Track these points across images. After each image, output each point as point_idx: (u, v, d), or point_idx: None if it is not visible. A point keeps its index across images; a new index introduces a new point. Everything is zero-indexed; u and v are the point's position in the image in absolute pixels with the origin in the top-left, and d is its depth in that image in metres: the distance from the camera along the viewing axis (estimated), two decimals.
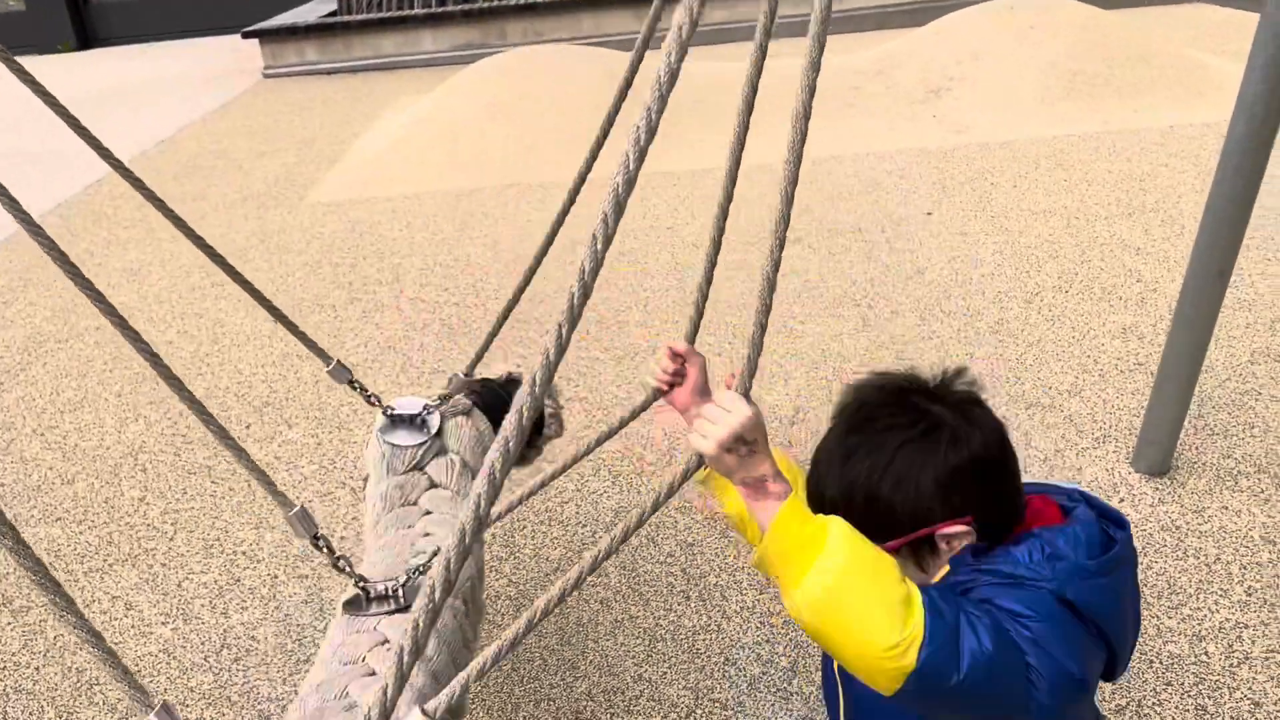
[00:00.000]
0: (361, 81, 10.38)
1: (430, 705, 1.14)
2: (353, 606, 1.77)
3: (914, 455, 1.23)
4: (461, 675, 1.16)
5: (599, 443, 1.80)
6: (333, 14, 11.69)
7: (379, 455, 2.17)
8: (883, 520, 1.24)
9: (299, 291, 4.94)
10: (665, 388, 1.53)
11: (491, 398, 2.39)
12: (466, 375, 2.34)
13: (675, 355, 1.51)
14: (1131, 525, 2.73)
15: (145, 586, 2.88)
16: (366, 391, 2.13)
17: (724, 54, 7.33)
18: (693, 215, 5.53)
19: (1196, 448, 3.10)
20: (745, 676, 2.39)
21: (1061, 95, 6.90)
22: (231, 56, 12.51)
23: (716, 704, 2.32)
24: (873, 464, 1.25)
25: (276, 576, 2.88)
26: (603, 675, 2.44)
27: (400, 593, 1.78)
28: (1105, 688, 2.28)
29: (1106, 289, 4.22)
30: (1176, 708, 2.21)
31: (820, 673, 1.54)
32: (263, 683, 2.49)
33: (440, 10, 11.04)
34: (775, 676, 2.37)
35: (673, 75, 1.02)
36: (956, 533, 1.24)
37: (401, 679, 1.00)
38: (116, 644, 2.68)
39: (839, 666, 1.42)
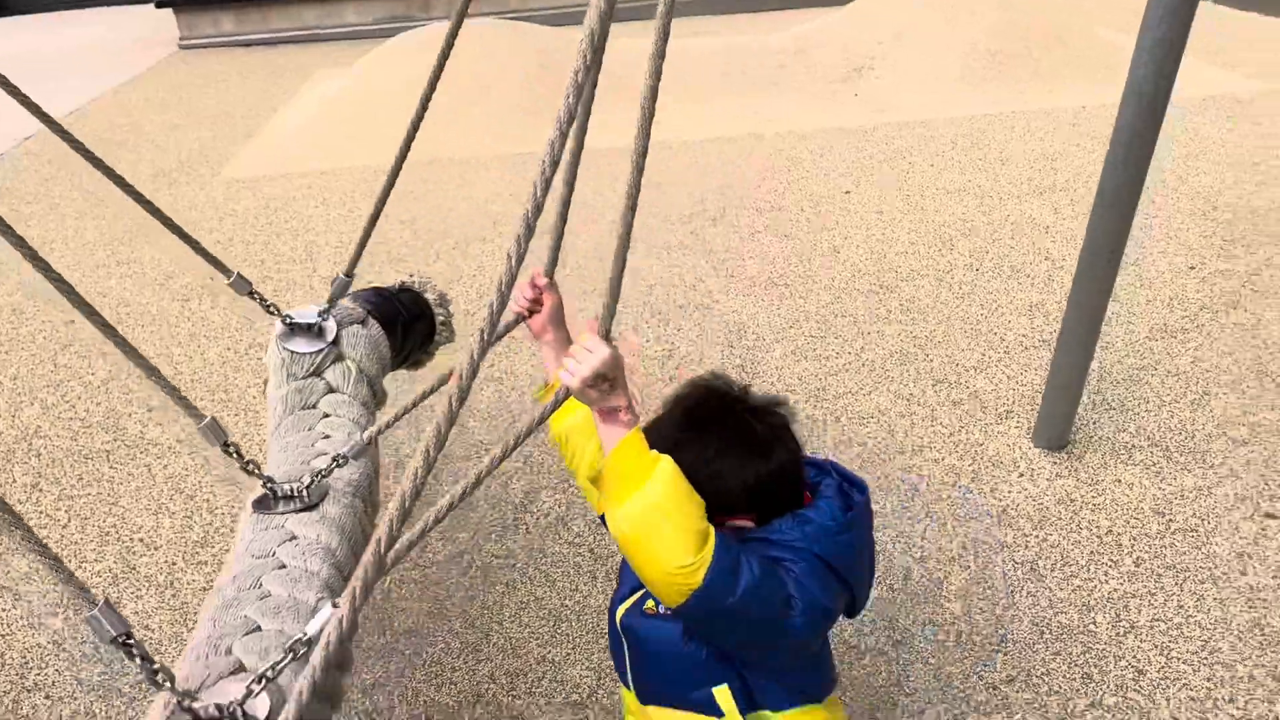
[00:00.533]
0: (280, 54, 10.13)
1: (340, 600, 1.23)
2: (261, 505, 1.88)
3: (731, 461, 1.45)
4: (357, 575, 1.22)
5: (480, 355, 1.87)
6: None
7: (279, 361, 2.29)
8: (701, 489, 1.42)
9: (205, 270, 4.80)
10: (525, 313, 1.70)
11: (386, 307, 2.52)
12: (346, 276, 2.40)
13: (534, 285, 1.69)
14: (1026, 498, 2.79)
15: (35, 577, 2.80)
16: (265, 301, 2.24)
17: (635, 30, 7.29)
18: (612, 193, 5.50)
19: (1094, 422, 3.18)
20: None
21: (980, 75, 6.99)
22: (145, 26, 12.12)
23: (616, 682, 2.33)
24: (696, 457, 1.42)
25: (174, 564, 2.81)
26: (506, 657, 2.43)
27: (305, 493, 1.91)
28: (996, 659, 2.33)
29: (1016, 267, 4.29)
30: (1064, 676, 2.27)
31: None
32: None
33: None
34: None
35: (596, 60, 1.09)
36: (743, 525, 1.48)
37: None
38: (3, 636, 2.60)
39: (621, 623, 1.59)
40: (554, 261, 1.71)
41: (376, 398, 2.56)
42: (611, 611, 1.64)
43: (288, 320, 2.37)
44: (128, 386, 3.79)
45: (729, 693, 1.49)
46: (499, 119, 6.85)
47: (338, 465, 2.01)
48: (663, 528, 1.31)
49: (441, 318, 2.75)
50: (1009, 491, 2.89)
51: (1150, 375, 3.42)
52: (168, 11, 10.95)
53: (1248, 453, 2.98)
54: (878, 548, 2.68)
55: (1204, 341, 3.61)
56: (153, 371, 1.59)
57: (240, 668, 1.64)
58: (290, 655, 1.46)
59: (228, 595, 1.70)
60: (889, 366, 3.58)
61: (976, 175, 5.41)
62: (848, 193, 5.26)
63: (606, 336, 1.37)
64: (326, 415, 2.36)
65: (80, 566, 2.83)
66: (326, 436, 2.25)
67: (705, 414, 1.50)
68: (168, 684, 1.54)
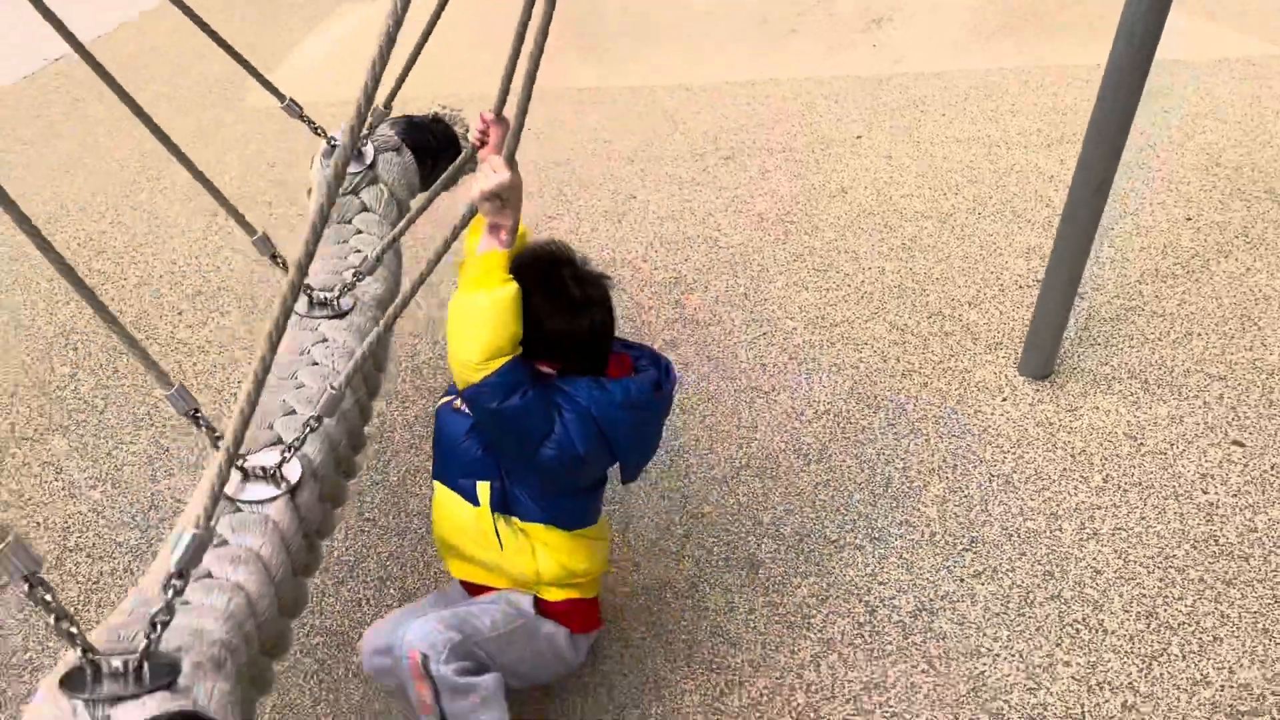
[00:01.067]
0: None
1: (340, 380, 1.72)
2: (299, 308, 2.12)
3: (542, 312, 1.74)
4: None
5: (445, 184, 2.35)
6: None
7: (321, 178, 2.52)
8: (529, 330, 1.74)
9: (234, 189, 4.97)
10: (478, 144, 2.04)
11: (418, 134, 2.75)
12: (385, 108, 2.59)
13: (484, 120, 2.01)
14: (1007, 421, 2.95)
15: (75, 454, 3.00)
16: (313, 123, 2.49)
17: None
18: (629, 131, 5.63)
19: (1078, 355, 3.33)
20: (644, 540, 2.58)
21: (997, 30, 7.05)
22: None
23: (614, 562, 2.51)
24: (527, 303, 1.71)
25: (205, 449, 3.00)
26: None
27: (336, 303, 2.18)
28: (965, 557, 2.50)
29: (1017, 212, 4.42)
30: (1027, 573, 2.45)
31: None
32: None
33: None
34: (670, 542, 2.57)
35: None
36: (548, 371, 1.79)
37: None
38: (46, 504, 2.80)
39: (436, 411, 1.98)
40: (502, 102, 2.01)
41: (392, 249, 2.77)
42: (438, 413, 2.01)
43: (332, 141, 2.61)
44: (159, 291, 3.97)
45: (488, 488, 1.85)
46: (500, 56, 6.94)
47: (358, 280, 2.29)
48: (472, 328, 1.64)
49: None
50: (991, 414, 3.05)
51: (1137, 316, 3.56)
52: None
53: (1222, 387, 3.13)
54: (863, 460, 2.86)
55: (1192, 287, 3.74)
56: (119, 329, 1.75)
57: (279, 441, 1.88)
58: (307, 429, 1.77)
59: (270, 382, 1.95)
60: (886, 299, 3.73)
61: (987, 126, 5.51)
62: (859, 138, 5.37)
63: (510, 159, 1.63)
64: (359, 231, 2.61)
65: (118, 447, 3.02)
66: (358, 251, 2.52)
67: (534, 268, 1.77)
68: (229, 448, 1.80)
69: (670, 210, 4.55)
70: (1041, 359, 3.20)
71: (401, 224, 2.39)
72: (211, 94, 6.56)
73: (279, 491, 1.75)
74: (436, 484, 1.96)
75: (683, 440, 2.96)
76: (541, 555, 1.90)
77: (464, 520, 1.90)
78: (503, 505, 1.87)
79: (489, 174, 1.62)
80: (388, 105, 2.72)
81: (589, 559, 1.96)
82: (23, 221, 1.54)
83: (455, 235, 1.85)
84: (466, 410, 1.85)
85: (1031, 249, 4.09)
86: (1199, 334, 3.43)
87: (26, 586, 1.19)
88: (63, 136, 5.83)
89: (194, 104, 6.40)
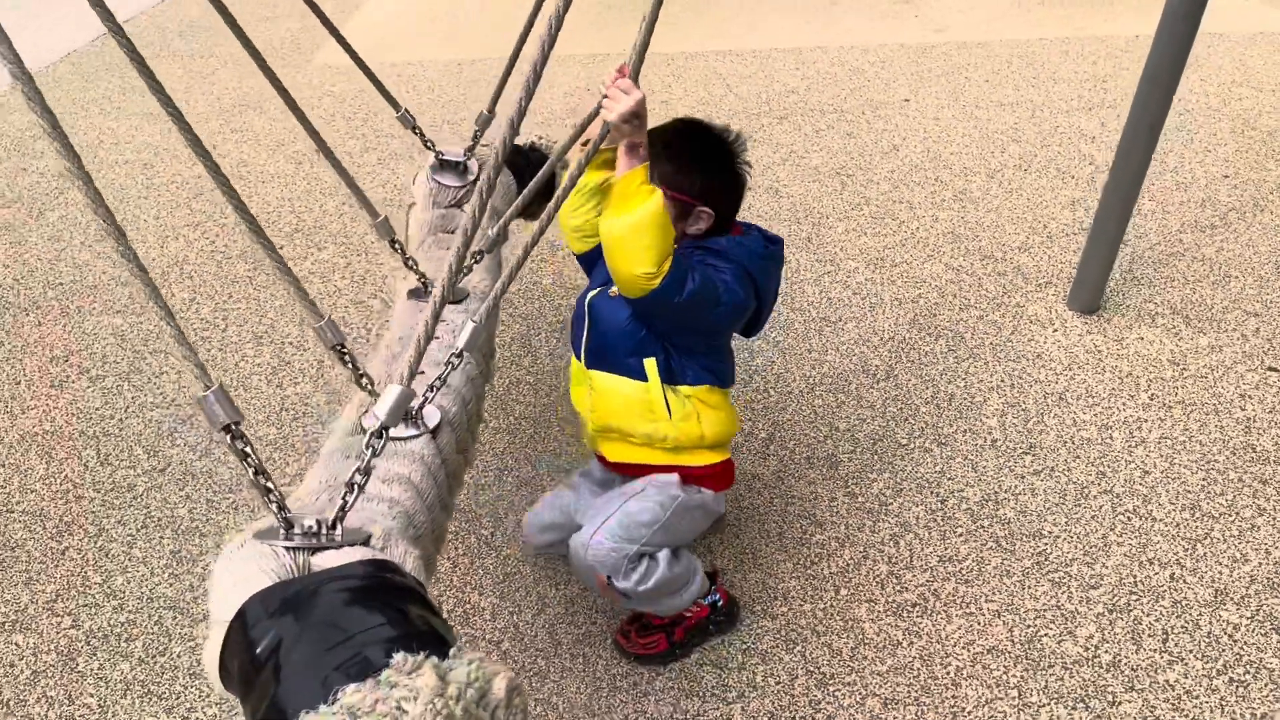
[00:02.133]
0: None
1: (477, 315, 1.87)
2: (416, 295, 2.34)
3: (714, 163, 2.02)
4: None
5: (567, 146, 2.26)
6: None
7: (428, 190, 2.76)
8: (680, 182, 1.99)
9: (295, 146, 5.25)
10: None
11: (517, 159, 2.98)
12: (489, 112, 2.82)
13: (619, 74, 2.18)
14: (1059, 348, 3.20)
15: (206, 365, 3.29)
16: (425, 136, 2.70)
17: None
18: (686, 93, 5.88)
19: (1123, 294, 3.58)
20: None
21: (1036, 3, 7.25)
22: None
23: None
24: (693, 153, 2.01)
25: (323, 362, 3.29)
26: None
27: (449, 291, 2.30)
28: (1025, 459, 2.77)
29: (1061, 170, 4.66)
30: (1082, 473, 2.71)
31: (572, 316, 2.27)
32: (322, 436, 2.92)
33: None
34: (755, 443, 2.84)
35: None
36: (705, 212, 2.02)
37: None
38: (184, 405, 3.09)
39: (590, 304, 2.13)
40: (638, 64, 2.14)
41: (503, 237, 3.02)
42: (581, 299, 2.18)
43: (440, 156, 2.82)
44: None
45: (655, 364, 2.02)
46: (581, 19, 7.20)
47: (475, 261, 2.44)
48: (640, 240, 1.77)
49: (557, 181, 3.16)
50: (1044, 342, 3.30)
51: (1178, 260, 3.81)
52: None
53: (1258, 323, 3.38)
54: (927, 379, 3.13)
55: (1230, 236, 3.98)
56: (278, 259, 1.95)
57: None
58: (449, 366, 1.97)
59: (395, 350, 2.18)
60: (941, 244, 3.98)
61: (1029, 91, 5.73)
62: (907, 100, 5.61)
63: (635, 79, 1.73)
64: None
65: (241, 360, 3.31)
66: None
67: (700, 132, 2.05)
68: (369, 386, 2.03)
69: None
70: (1090, 295, 3.45)
71: (514, 205, 2.61)
72: (280, 54, 6.84)
73: (419, 431, 1.90)
74: (594, 374, 2.12)
75: (759, 361, 3.23)
76: (705, 418, 2.08)
77: (631, 399, 2.06)
78: (669, 376, 2.04)
79: (623, 95, 1.72)
80: (491, 110, 2.92)
81: (735, 416, 2.19)
82: (190, 136, 1.78)
83: (581, 170, 1.85)
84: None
85: (1076, 201, 4.33)
86: (1236, 277, 3.67)
87: (228, 438, 1.27)
88: (141, 91, 6.10)
89: (275, 56, 6.67)
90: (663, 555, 2.10)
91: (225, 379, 3.22)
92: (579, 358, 2.18)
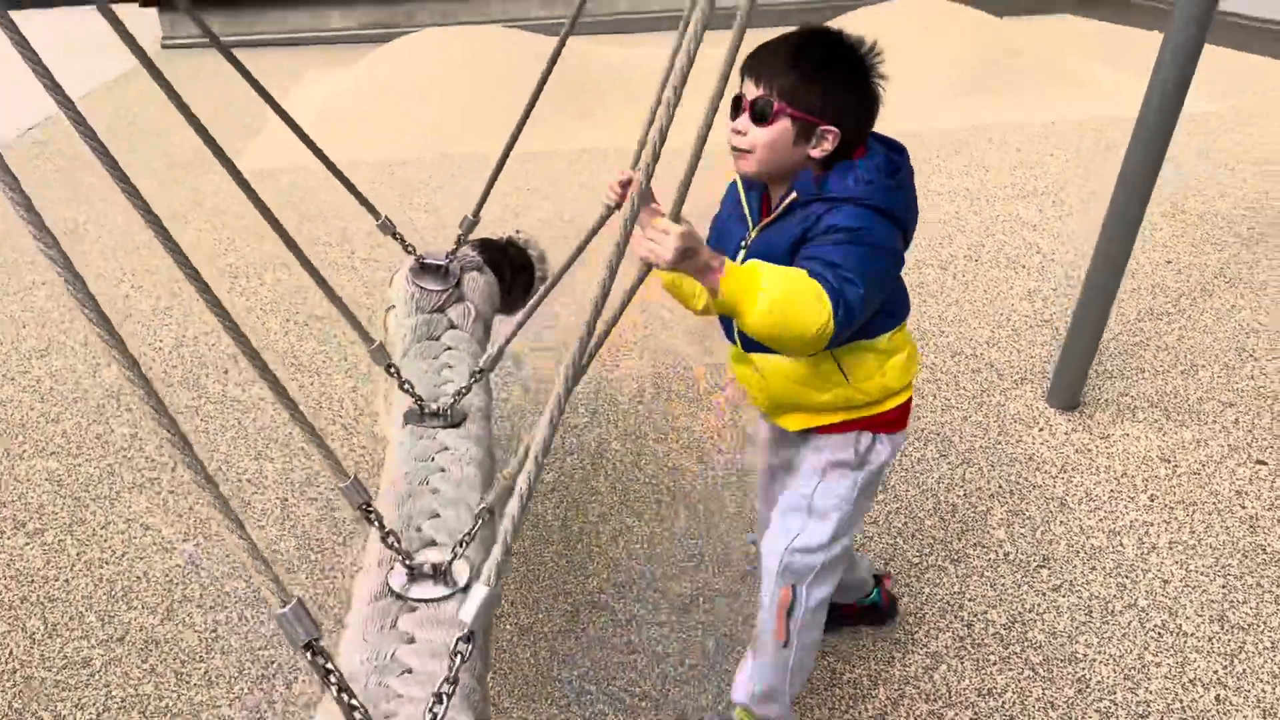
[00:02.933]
0: (265, 56, 10.29)
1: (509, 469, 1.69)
2: (412, 417, 2.19)
3: (844, 75, 1.77)
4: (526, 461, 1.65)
5: (571, 261, 2.21)
6: None
7: (409, 294, 2.62)
8: (799, 95, 1.75)
9: (248, 252, 5.04)
10: (617, 204, 1.94)
11: (497, 257, 2.85)
12: (474, 217, 2.72)
13: (624, 180, 1.94)
14: (1048, 449, 3.16)
15: (158, 510, 3.03)
16: (405, 241, 2.60)
17: (629, 41, 7.65)
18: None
19: (1099, 388, 3.57)
20: (738, 573, 2.71)
21: (960, 91, 7.47)
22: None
23: (717, 592, 2.64)
24: (817, 64, 1.76)
25: (286, 500, 3.06)
26: (611, 573, 2.73)
27: (449, 413, 2.22)
28: (1041, 573, 2.68)
29: (1011, 259, 4.71)
30: (1101, 585, 2.64)
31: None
32: (294, 587, 2.69)
33: None
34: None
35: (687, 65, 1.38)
36: (830, 132, 1.77)
37: None
38: (140, 559, 2.82)
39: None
40: (640, 161, 2.02)
41: (487, 338, 2.89)
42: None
43: (421, 259, 2.72)
44: (198, 350, 4.01)
45: None
46: (503, 119, 7.15)
47: (475, 381, 2.33)
48: (791, 310, 1.60)
49: (540, 274, 3.08)
50: (1032, 443, 3.26)
51: (1144, 350, 3.83)
52: (145, 11, 11.04)
53: (1235, 413, 3.40)
54: (926, 489, 3.04)
55: (1186, 323, 4.04)
56: (300, 418, 1.76)
57: (432, 543, 1.96)
58: (479, 521, 1.81)
59: (402, 490, 2.01)
60: None
61: (963, 180, 5.84)
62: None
63: (676, 219, 1.57)
64: (449, 348, 2.71)
65: (199, 502, 3.06)
66: (450, 366, 2.62)
67: (825, 40, 1.80)
68: (395, 544, 1.85)
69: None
70: (1070, 391, 3.43)
71: (512, 329, 2.50)
72: (200, 160, 6.60)
73: (449, 591, 1.78)
74: (754, 356, 1.97)
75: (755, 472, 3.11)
76: (888, 367, 1.92)
77: (802, 374, 1.91)
78: (837, 340, 1.78)
79: (663, 236, 1.58)
80: (476, 214, 2.83)
81: (914, 349, 2.01)
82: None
83: (631, 294, 1.73)
84: None
85: (1033, 291, 4.36)
86: (1204, 365, 3.71)
87: (309, 654, 1.19)
88: (56, 205, 5.82)
89: (184, 170, 6.44)
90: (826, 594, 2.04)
91: (182, 525, 2.96)
92: (733, 341, 2.01)
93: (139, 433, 3.44)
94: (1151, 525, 2.86)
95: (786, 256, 1.76)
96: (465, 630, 1.28)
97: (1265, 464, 3.12)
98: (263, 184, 6.17)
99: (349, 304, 2.22)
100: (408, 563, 1.81)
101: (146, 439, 3.40)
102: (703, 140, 1.54)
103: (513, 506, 1.36)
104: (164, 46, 10.95)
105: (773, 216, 1.84)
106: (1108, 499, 2.98)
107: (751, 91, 1.81)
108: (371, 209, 2.66)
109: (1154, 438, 3.27)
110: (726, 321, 1.99)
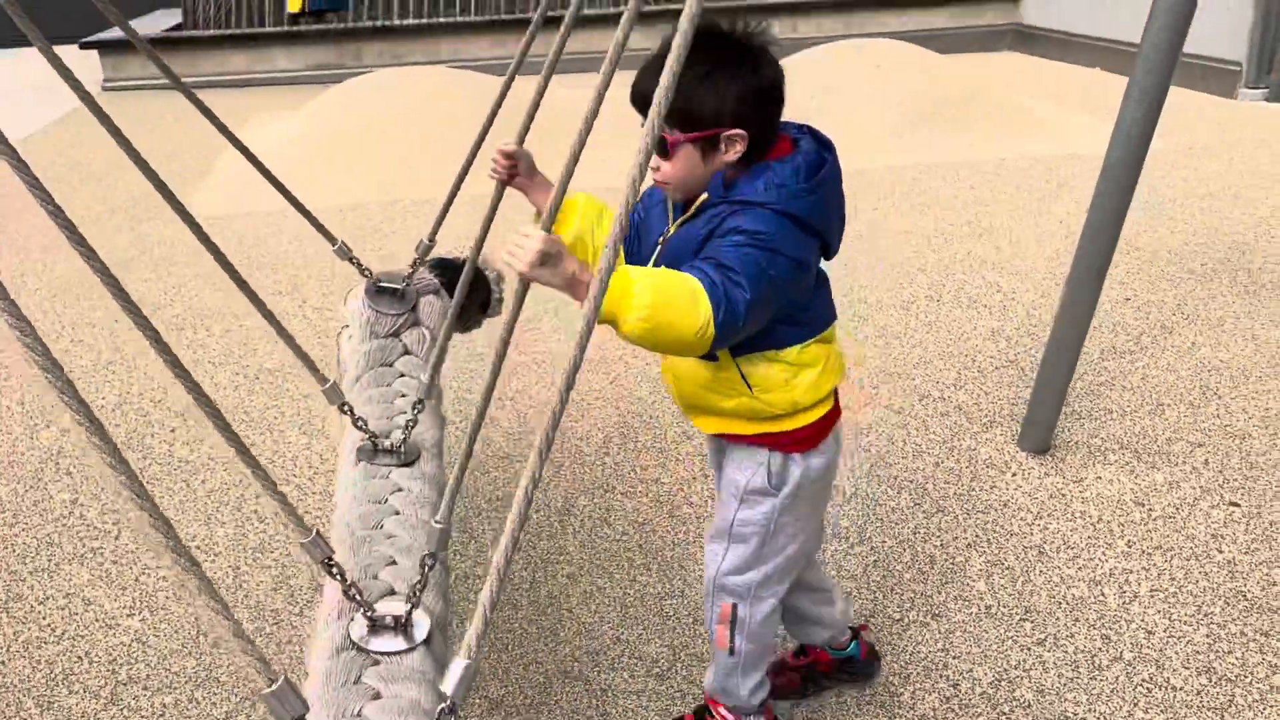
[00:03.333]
0: (209, 98, 10.09)
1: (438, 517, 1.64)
2: (364, 454, 2.12)
3: (727, 72, 1.69)
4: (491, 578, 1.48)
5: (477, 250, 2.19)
6: (177, 27, 11.36)
7: (365, 318, 2.54)
8: (687, 117, 1.70)
9: (195, 301, 4.88)
10: (506, 178, 2.01)
11: (453, 276, 2.76)
12: (430, 241, 2.64)
13: (506, 154, 1.98)
14: (1022, 494, 3.12)
15: (100, 582, 2.86)
16: (361, 264, 2.51)
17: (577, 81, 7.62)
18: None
19: (1068, 430, 3.54)
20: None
21: (907, 129, 7.52)
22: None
23: (694, 657, 2.54)
24: (695, 73, 1.66)
25: (239, 568, 2.91)
26: (583, 639, 2.62)
27: (401, 450, 2.15)
28: (1024, 626, 2.62)
29: (972, 299, 4.70)
30: (1085, 637, 2.58)
31: None
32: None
33: (295, 29, 10.93)
34: None
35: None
36: (735, 135, 1.71)
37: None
38: (82, 637, 2.66)
39: None
40: (523, 137, 2.03)
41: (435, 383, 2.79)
42: None
43: (379, 283, 2.62)
44: (142, 409, 3.85)
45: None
46: (453, 161, 7.06)
47: (418, 412, 2.26)
48: (666, 317, 1.55)
49: (497, 295, 2.98)
50: (1006, 489, 3.21)
51: (1109, 390, 3.82)
52: (90, 53, 10.84)
53: (1204, 453, 3.38)
54: (902, 540, 2.98)
55: (1149, 362, 4.04)
56: (256, 468, 1.67)
57: (391, 591, 1.87)
58: (426, 569, 1.72)
59: (359, 534, 1.95)
60: (878, 383, 3.90)
61: (919, 219, 5.85)
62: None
63: (548, 230, 1.49)
64: (403, 375, 2.63)
65: (144, 572, 2.90)
66: (403, 395, 2.54)
67: (706, 47, 1.64)
68: (357, 596, 1.75)
69: None
70: (1042, 434, 3.39)
71: (433, 358, 2.41)
72: (141, 206, 6.43)
73: (410, 644, 1.69)
74: (672, 358, 1.95)
75: None
76: (797, 381, 1.86)
77: (708, 378, 1.89)
78: (750, 346, 1.79)
79: (524, 241, 1.48)
80: (431, 239, 2.74)
81: (836, 365, 1.97)
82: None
83: (514, 319, 1.52)
84: None
85: (995, 331, 4.35)
86: (1169, 404, 3.70)
87: None
88: None
89: (125, 216, 6.27)
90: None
91: (125, 598, 2.80)
92: None
93: (79, 498, 3.28)
94: (1131, 573, 2.81)
95: (692, 256, 1.72)
96: (448, 702, 1.20)
97: (1238, 505, 3.10)
98: (210, 231, 5.99)
99: (309, 355, 2.12)
100: (369, 614, 1.72)
101: (87, 504, 3.24)
102: (575, 159, 1.43)
103: (491, 580, 1.29)
104: (105, 89, 10.74)
105: (687, 216, 1.82)
106: (1085, 546, 2.93)
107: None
108: (327, 234, 2.57)
109: (1127, 480, 3.24)
110: None
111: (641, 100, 1.71)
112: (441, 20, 11.28)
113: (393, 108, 7.35)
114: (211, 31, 10.84)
